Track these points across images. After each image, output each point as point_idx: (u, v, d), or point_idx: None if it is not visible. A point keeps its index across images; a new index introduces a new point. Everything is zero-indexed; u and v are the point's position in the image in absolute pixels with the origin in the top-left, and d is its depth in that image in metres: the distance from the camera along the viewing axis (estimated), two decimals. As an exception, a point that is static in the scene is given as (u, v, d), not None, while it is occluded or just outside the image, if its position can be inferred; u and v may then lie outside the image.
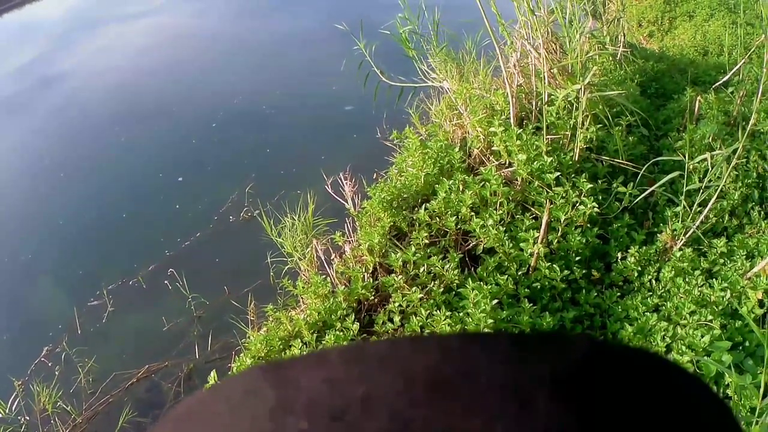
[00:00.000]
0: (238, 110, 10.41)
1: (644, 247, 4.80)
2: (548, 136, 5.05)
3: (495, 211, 4.73)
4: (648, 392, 0.42)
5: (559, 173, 4.90)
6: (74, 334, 6.59)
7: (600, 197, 4.93)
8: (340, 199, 5.30)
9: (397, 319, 4.33)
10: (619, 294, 4.65)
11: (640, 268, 4.73)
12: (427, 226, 4.82)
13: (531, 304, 4.28)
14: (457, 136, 5.74)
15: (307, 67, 11.53)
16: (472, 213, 4.79)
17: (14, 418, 5.75)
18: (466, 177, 4.99)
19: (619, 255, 4.82)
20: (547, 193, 4.84)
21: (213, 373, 4.52)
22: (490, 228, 4.60)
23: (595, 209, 4.71)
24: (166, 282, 6.77)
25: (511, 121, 5.31)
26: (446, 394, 0.39)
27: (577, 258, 4.67)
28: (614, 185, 5.04)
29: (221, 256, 7.26)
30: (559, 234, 4.69)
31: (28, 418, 5.74)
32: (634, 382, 0.43)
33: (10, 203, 9.11)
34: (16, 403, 5.83)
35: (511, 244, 4.59)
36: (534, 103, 5.49)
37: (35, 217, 8.74)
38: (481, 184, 4.87)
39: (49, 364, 6.31)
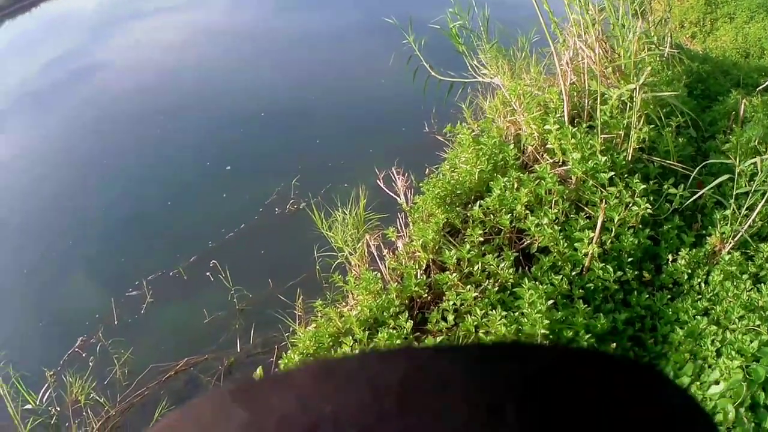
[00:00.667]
0: (284, 103, 10.32)
1: (693, 250, 4.78)
2: (602, 135, 5.02)
3: (550, 210, 4.72)
4: (616, 396, 0.43)
5: (612, 173, 4.87)
6: (111, 325, 6.52)
7: (651, 198, 4.91)
8: (391, 193, 5.27)
9: (450, 317, 4.31)
10: (669, 296, 4.64)
11: (689, 271, 4.71)
12: (480, 223, 4.81)
13: (585, 305, 4.27)
14: (510, 132, 5.71)
15: (353, 61, 11.42)
16: (527, 211, 4.78)
17: (45, 409, 5.67)
18: (521, 174, 4.97)
19: (670, 257, 4.81)
20: (601, 192, 4.82)
21: (259, 370, 4.48)
22: (545, 227, 4.59)
23: (648, 210, 4.69)
24: (208, 274, 6.69)
25: (565, 119, 5.28)
26: (415, 407, 0.39)
27: (629, 259, 4.67)
28: (665, 186, 5.02)
29: (266, 248, 7.18)
30: (612, 234, 4.68)
31: (59, 409, 5.68)
32: (602, 387, 0.43)
33: (51, 192, 9.06)
34: (47, 394, 5.74)
35: (565, 244, 4.58)
36: (586, 102, 5.47)
37: (77, 206, 8.68)
38: (536, 182, 4.86)
39: (84, 355, 6.26)
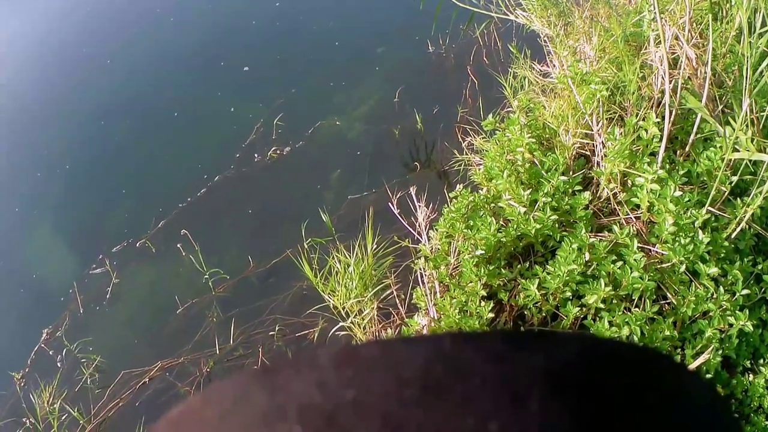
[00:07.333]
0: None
1: (771, 359, 3.75)
2: (709, 207, 3.64)
3: (632, 314, 3.44)
4: (641, 388, 0.41)
5: (708, 257, 3.63)
6: (76, 313, 5.65)
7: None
8: (403, 222, 3.83)
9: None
10: (736, 411, 3.67)
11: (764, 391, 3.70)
12: (535, 306, 3.52)
13: None
14: (573, 151, 4.11)
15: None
16: (600, 303, 3.49)
17: (20, 420, 5.12)
18: (595, 241, 3.61)
19: (748, 363, 3.76)
20: (695, 287, 3.57)
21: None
22: (624, 337, 3.37)
23: (748, 327, 3.54)
24: (179, 245, 5.61)
25: (659, 155, 3.81)
26: (439, 394, 0.38)
27: (708, 375, 3.58)
28: (761, 267, 3.82)
29: (243, 211, 6.02)
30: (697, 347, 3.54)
31: (33, 421, 5.05)
32: (627, 377, 0.42)
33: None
34: (21, 405, 5.17)
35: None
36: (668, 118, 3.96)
37: (26, 153, 7.36)
38: (617, 265, 3.52)
39: (50, 353, 5.51)
